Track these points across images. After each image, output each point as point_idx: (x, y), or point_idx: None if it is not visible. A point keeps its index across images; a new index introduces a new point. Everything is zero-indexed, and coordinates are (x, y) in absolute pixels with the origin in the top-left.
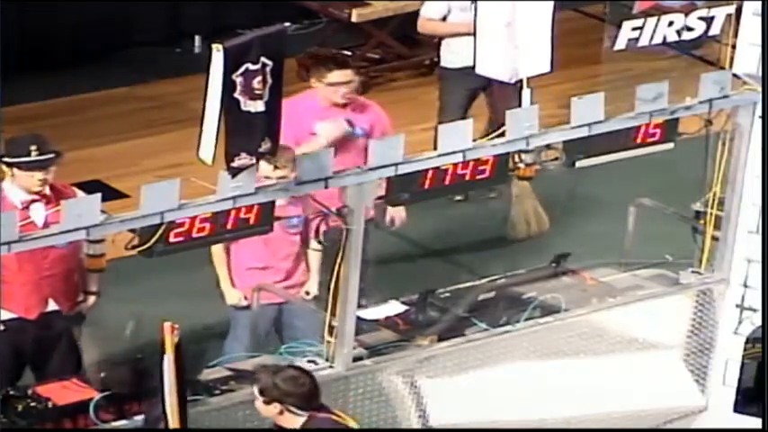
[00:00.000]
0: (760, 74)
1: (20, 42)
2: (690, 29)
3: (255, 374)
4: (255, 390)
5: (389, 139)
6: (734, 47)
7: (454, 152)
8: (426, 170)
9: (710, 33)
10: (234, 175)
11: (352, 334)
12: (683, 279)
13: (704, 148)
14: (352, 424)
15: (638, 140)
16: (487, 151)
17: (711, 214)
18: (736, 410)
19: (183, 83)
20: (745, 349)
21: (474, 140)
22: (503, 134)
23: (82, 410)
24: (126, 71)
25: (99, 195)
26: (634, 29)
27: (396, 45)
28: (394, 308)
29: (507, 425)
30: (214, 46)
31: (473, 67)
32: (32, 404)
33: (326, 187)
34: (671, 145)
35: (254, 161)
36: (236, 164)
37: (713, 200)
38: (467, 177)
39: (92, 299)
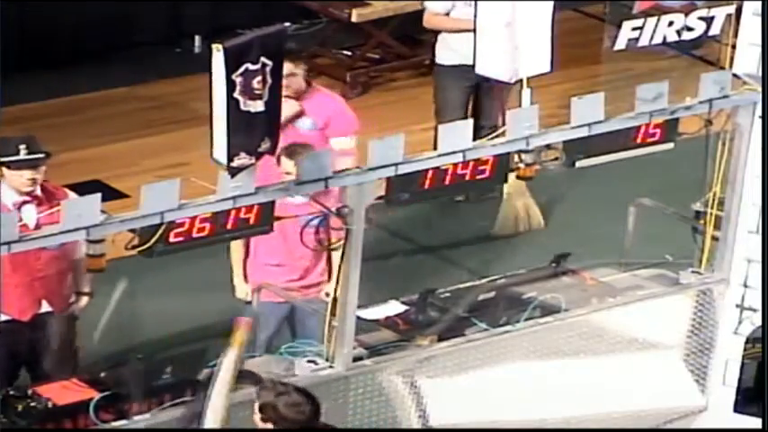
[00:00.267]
0: (760, 74)
1: (20, 42)
2: (690, 29)
3: (260, 388)
4: (256, 405)
5: (389, 138)
6: (734, 47)
7: (454, 152)
8: (426, 170)
9: (710, 33)
10: (233, 175)
11: (352, 334)
12: (683, 279)
13: (704, 148)
14: None
15: (638, 140)
16: (487, 151)
17: (711, 214)
18: (736, 410)
19: (182, 83)
20: (745, 349)
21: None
22: (503, 134)
23: (82, 410)
24: (126, 71)
25: (99, 195)
26: (634, 29)
27: (396, 45)
28: (394, 308)
29: (507, 425)
30: (214, 46)
31: (469, 65)
32: (32, 404)
33: (326, 187)
34: (671, 145)
35: (253, 161)
36: (235, 164)
37: (713, 200)
38: (467, 177)
39: (84, 299)
